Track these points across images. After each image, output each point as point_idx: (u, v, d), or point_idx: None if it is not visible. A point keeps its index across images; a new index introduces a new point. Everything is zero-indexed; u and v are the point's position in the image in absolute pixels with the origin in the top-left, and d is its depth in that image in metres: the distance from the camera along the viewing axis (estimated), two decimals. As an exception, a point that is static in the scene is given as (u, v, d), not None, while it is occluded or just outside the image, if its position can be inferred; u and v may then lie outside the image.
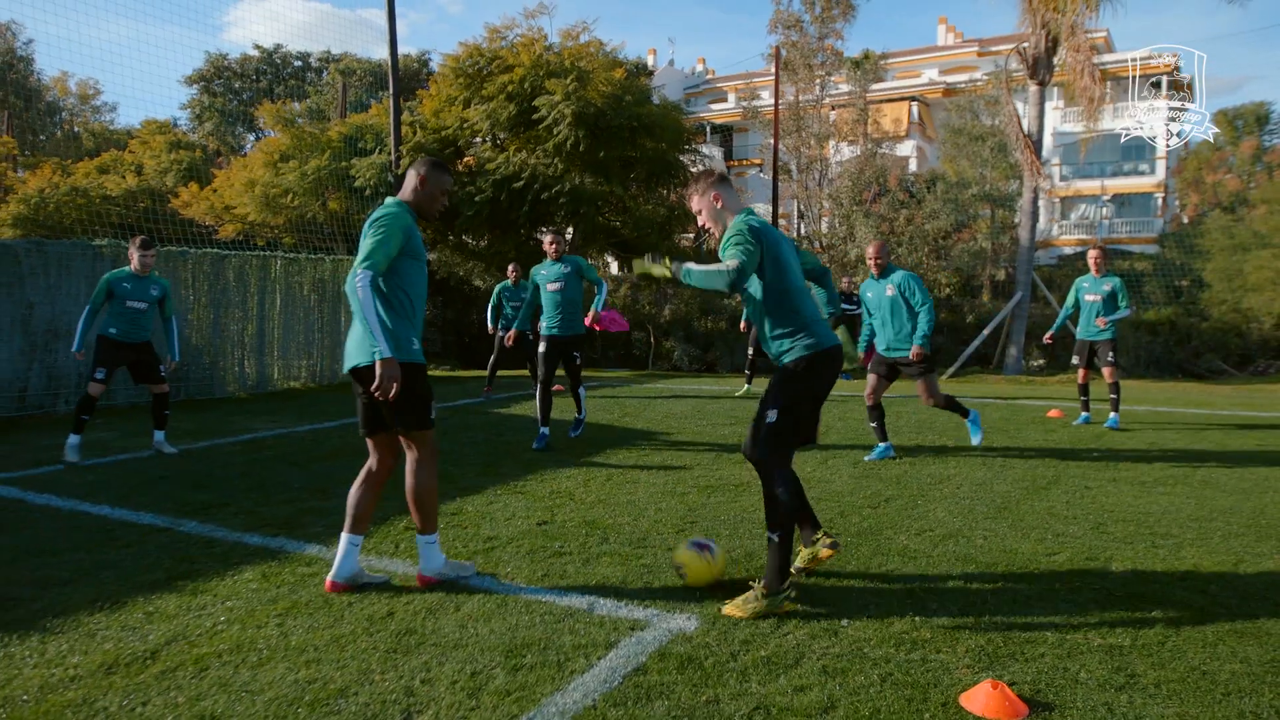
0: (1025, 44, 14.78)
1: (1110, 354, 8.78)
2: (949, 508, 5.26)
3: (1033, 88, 15.10)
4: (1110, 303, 8.73)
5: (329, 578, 3.75)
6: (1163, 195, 37.49)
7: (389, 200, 3.80)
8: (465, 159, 18.09)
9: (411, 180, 3.82)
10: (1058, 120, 35.99)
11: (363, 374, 3.66)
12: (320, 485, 5.89)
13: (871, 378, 7.06)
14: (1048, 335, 9.44)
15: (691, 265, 3.59)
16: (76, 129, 43.94)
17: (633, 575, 3.96)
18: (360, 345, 3.67)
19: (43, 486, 5.93)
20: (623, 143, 16.40)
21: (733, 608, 3.48)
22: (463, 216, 16.60)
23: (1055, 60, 14.88)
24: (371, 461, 3.85)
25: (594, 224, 17.52)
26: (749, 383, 12.33)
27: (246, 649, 3.14)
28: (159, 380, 7.31)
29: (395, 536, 4.62)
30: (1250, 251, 17.57)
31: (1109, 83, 34.67)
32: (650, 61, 46.58)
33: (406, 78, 30.91)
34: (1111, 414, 8.70)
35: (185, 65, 47.60)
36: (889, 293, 6.88)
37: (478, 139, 17.92)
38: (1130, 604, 3.58)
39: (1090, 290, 8.88)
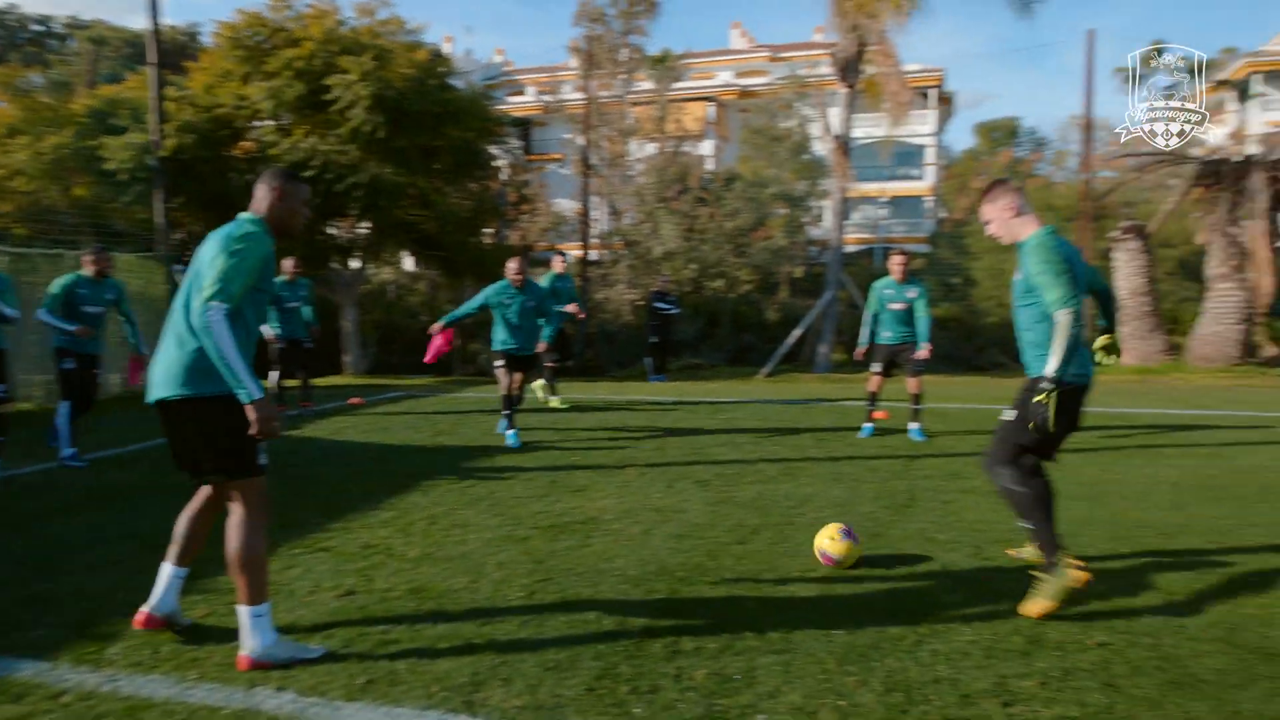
0: (836, 48, 15.02)
1: (920, 363, 8.34)
2: (822, 539, 4.78)
3: (843, 90, 15.37)
4: (916, 309, 8.34)
5: (146, 609, 3.36)
6: (932, 199, 40.62)
7: (246, 217, 3.28)
8: (244, 143, 16.09)
9: (264, 193, 3.31)
10: (843, 125, 37.95)
11: (174, 408, 3.14)
12: (45, 558, 4.51)
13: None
14: (859, 351, 8.66)
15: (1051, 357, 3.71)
16: None
17: (484, 669, 3.11)
18: (176, 374, 3.10)
19: None
20: (426, 130, 15.13)
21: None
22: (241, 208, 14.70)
23: (864, 64, 15.21)
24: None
25: (391, 217, 16.11)
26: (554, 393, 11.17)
27: None
28: None
29: (156, 643, 3.47)
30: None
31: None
32: (447, 49, 44.66)
33: (173, 51, 27.48)
34: (912, 424, 8.45)
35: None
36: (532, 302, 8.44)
37: (259, 120, 15.95)
38: (1026, 652, 3.18)
39: (894, 299, 8.47)
